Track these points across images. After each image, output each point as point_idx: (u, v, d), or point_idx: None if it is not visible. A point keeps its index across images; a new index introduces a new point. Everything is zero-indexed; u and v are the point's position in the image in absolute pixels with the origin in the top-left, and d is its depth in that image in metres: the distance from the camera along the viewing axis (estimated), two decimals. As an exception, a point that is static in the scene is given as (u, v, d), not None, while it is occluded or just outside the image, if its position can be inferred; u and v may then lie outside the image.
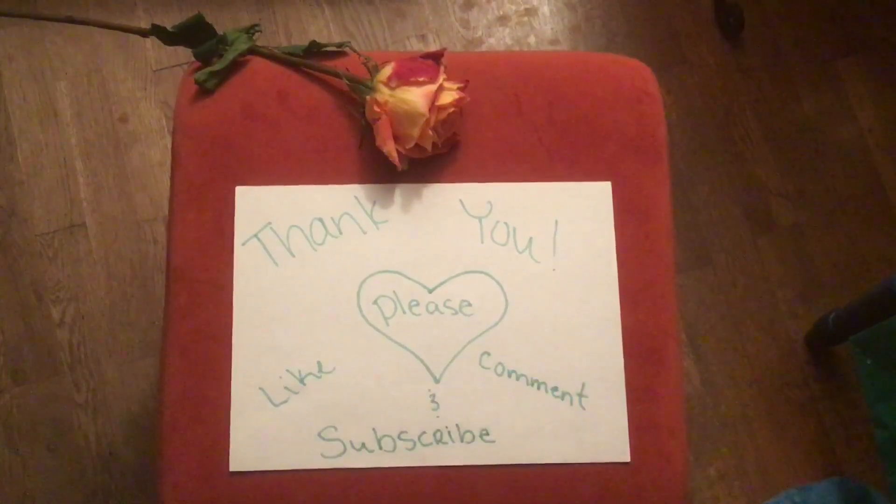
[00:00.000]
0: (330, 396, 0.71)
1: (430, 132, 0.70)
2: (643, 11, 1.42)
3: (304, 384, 0.71)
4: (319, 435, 0.70)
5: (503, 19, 1.41)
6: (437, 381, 0.71)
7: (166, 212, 1.21)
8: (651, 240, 0.75)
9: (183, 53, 1.31)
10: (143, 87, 1.37)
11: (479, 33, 1.41)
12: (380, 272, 0.73)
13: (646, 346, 0.73)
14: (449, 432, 0.70)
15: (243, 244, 0.73)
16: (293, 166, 0.74)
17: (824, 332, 1.24)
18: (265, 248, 0.73)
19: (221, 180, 0.74)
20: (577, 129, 0.76)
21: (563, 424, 0.71)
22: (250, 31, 0.77)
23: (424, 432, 0.70)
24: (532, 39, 1.41)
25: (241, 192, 0.74)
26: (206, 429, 0.70)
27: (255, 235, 0.73)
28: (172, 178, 0.75)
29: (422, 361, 0.71)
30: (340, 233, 0.73)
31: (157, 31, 0.74)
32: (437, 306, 0.72)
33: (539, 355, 0.72)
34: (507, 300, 0.73)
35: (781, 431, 1.27)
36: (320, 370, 0.71)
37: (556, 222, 0.74)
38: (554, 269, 0.73)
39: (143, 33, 0.75)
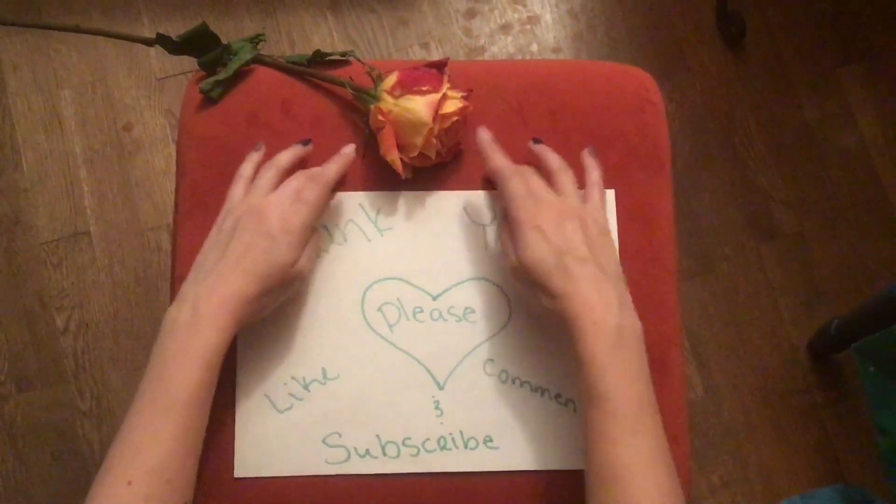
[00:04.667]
0: (334, 403, 0.71)
1: (434, 141, 0.70)
2: (645, 20, 1.43)
3: (309, 391, 0.71)
4: (324, 441, 0.70)
5: (506, 28, 1.42)
6: (441, 387, 0.71)
7: (170, 220, 1.21)
8: (654, 247, 0.75)
9: (187, 62, 1.32)
10: (148, 96, 1.38)
11: (482, 42, 1.41)
12: (384, 279, 0.73)
13: (649, 353, 0.73)
14: (453, 439, 0.71)
15: (248, 252, 0.73)
16: (297, 174, 0.75)
17: (827, 339, 1.24)
18: (270, 255, 0.73)
19: (226, 188, 0.74)
20: (580, 137, 0.76)
21: (567, 431, 0.71)
22: (255, 40, 0.78)
23: (428, 439, 0.71)
24: (535, 48, 1.42)
25: (245, 199, 0.74)
26: (211, 435, 0.70)
27: (260, 243, 0.73)
28: (177, 186, 0.76)
29: (426, 368, 0.72)
30: (345, 240, 0.73)
31: (162, 41, 0.75)
32: (441, 313, 0.72)
33: (542, 362, 0.72)
34: (510, 307, 0.73)
35: (784, 439, 1.27)
36: (325, 377, 0.71)
37: (560, 230, 0.74)
38: (557, 277, 0.73)
39: (148, 42, 0.75)
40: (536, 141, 0.73)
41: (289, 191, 0.68)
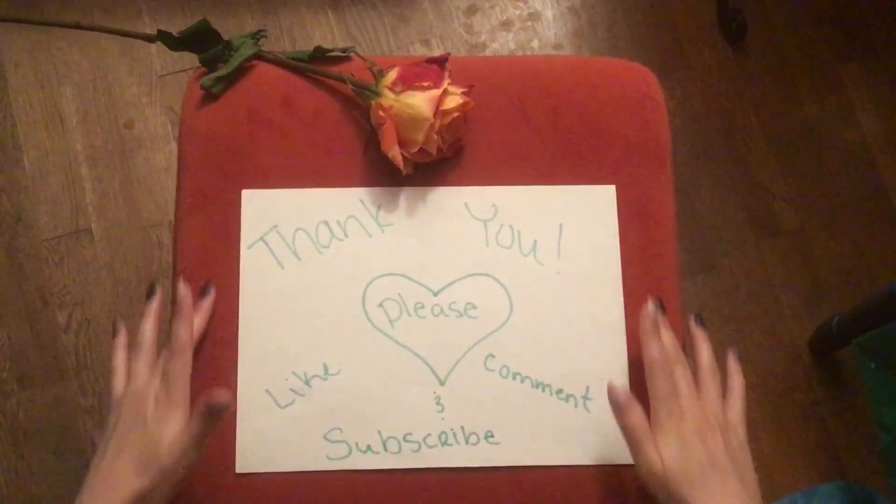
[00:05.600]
0: (335, 399, 0.71)
1: (435, 136, 0.70)
2: (646, 16, 1.43)
3: (310, 386, 0.71)
4: (325, 437, 0.70)
5: (507, 24, 1.42)
6: (442, 383, 0.71)
7: (172, 217, 1.21)
8: (655, 244, 0.75)
9: (187, 59, 1.32)
10: (149, 93, 1.38)
11: (483, 38, 1.41)
12: (385, 275, 0.73)
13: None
14: (454, 434, 0.71)
15: (249, 247, 0.73)
16: (298, 170, 0.75)
17: (828, 335, 1.24)
18: (271, 251, 0.73)
19: (227, 184, 0.74)
20: (581, 133, 0.76)
21: (568, 427, 0.71)
22: (255, 36, 0.78)
23: (429, 434, 0.71)
24: (535, 44, 1.42)
25: (247, 195, 0.74)
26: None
27: (261, 239, 0.73)
28: (179, 182, 0.76)
29: (427, 364, 0.72)
30: (346, 236, 0.74)
31: (163, 37, 0.75)
32: (442, 309, 0.72)
33: (544, 358, 0.72)
34: (511, 303, 0.73)
35: (785, 435, 1.27)
36: (326, 372, 0.71)
37: (561, 225, 0.74)
38: (558, 272, 0.74)
39: (150, 39, 0.75)
40: (699, 321, 0.72)
41: (157, 372, 0.66)
